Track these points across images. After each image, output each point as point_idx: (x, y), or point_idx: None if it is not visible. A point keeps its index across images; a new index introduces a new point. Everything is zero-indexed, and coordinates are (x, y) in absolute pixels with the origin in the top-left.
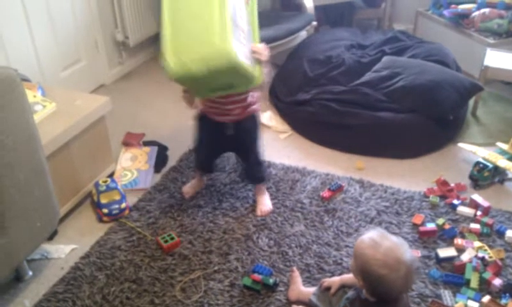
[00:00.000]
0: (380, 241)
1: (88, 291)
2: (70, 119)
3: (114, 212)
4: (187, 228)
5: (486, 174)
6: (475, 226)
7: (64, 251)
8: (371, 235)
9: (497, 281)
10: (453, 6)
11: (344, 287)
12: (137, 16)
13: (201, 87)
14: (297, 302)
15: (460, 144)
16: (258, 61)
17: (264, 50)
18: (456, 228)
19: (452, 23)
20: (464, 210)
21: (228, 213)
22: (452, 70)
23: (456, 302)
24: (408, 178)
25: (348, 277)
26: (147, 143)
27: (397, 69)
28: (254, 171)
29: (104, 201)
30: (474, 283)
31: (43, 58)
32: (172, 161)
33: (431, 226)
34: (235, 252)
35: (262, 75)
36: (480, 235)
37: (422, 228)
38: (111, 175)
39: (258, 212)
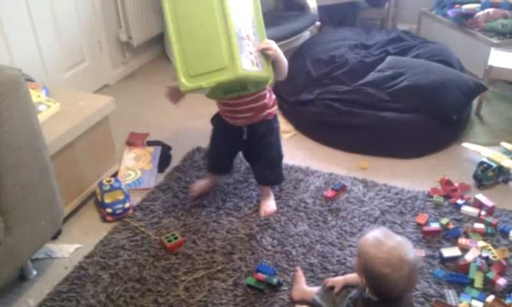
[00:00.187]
0: (384, 240)
1: (92, 290)
2: (74, 119)
3: (117, 211)
4: (191, 227)
5: (490, 174)
6: (479, 225)
7: (68, 251)
8: (375, 234)
9: (501, 281)
10: (457, 5)
11: (347, 287)
12: (141, 17)
13: (214, 92)
14: (301, 301)
15: (464, 144)
16: (268, 60)
17: (270, 45)
18: (460, 227)
19: (456, 23)
20: (468, 209)
21: (232, 212)
22: (456, 69)
23: (460, 302)
24: (411, 177)
25: (352, 276)
26: (151, 143)
27: (401, 69)
28: (264, 174)
29: (107, 200)
30: (478, 283)
31: (47, 58)
32: (175, 161)
33: (434, 225)
34: (239, 251)
35: (272, 73)
36: (484, 235)
37: (425, 228)
38: (115, 175)
39: (262, 213)
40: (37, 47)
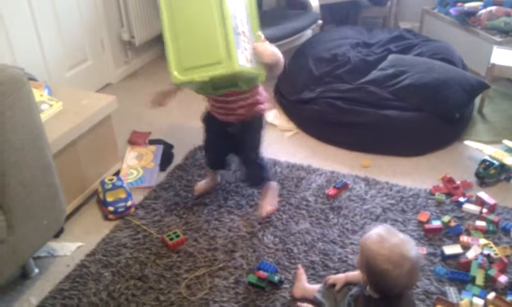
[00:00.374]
0: (387, 236)
1: (94, 288)
2: (77, 118)
3: (119, 209)
4: (193, 225)
5: (492, 171)
6: (480, 223)
7: (70, 249)
8: (378, 231)
9: (503, 278)
10: (459, 4)
11: (348, 284)
12: (143, 16)
13: (204, 87)
14: (302, 299)
15: (466, 142)
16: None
17: (264, 50)
18: (461, 225)
19: (458, 21)
20: (470, 207)
21: (233, 211)
22: (458, 68)
23: (461, 299)
24: (413, 175)
25: (353, 274)
26: (153, 142)
27: (403, 67)
28: (255, 173)
29: (109, 199)
30: (479, 280)
31: (49, 57)
32: (177, 159)
33: (436, 223)
34: (240, 249)
35: (264, 71)
36: (486, 233)
37: (427, 226)
38: (117, 173)
39: (263, 212)
40: (39, 46)
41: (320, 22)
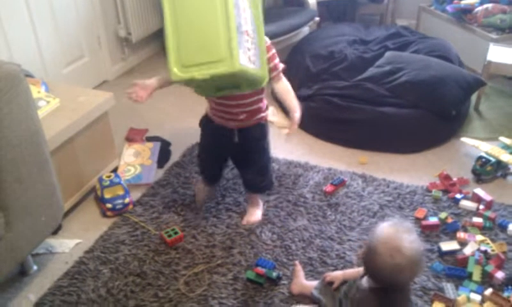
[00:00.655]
0: (397, 227)
1: (93, 285)
2: (74, 114)
3: (117, 206)
4: (191, 222)
5: (489, 168)
6: (477, 219)
7: (69, 246)
8: (396, 220)
9: (500, 274)
10: (456, 1)
11: (346, 282)
12: (140, 12)
13: (205, 87)
14: (300, 295)
15: (463, 139)
16: (265, 60)
17: (294, 125)
18: (458, 221)
19: (455, 18)
20: (466, 204)
21: (231, 207)
22: (454, 65)
23: (459, 295)
24: (410, 172)
25: (351, 272)
26: (150, 139)
27: (400, 64)
28: (255, 181)
29: (107, 196)
30: (477, 276)
31: (45, 54)
32: (175, 157)
33: (433, 220)
34: (239, 246)
35: (267, 74)
36: (482, 229)
37: (424, 222)
38: (115, 170)
39: (245, 221)
40: (36, 43)
41: (317, 19)
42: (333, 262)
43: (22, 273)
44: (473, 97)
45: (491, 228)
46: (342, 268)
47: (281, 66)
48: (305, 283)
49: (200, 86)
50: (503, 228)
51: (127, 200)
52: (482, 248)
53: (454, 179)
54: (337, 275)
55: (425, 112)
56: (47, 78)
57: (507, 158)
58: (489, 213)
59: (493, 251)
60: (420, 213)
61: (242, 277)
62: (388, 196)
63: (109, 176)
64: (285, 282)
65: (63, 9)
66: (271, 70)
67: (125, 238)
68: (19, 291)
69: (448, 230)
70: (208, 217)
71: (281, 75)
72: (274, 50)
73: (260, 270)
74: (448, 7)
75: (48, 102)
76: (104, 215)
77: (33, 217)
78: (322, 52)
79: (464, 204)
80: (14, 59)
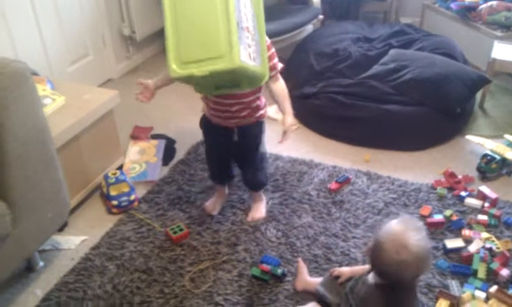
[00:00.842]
0: (406, 223)
1: (99, 281)
2: (79, 112)
3: (123, 203)
4: (196, 219)
5: (494, 166)
6: (482, 217)
7: (75, 242)
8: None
9: (505, 272)
10: None
11: (352, 278)
12: (144, 11)
13: (204, 85)
14: (304, 292)
15: (468, 137)
16: (266, 58)
17: (291, 126)
18: (463, 219)
19: (459, 16)
20: (471, 201)
21: (236, 204)
22: (459, 62)
23: (464, 292)
24: (415, 170)
25: (358, 269)
26: (155, 136)
27: (404, 62)
28: (254, 177)
29: (113, 193)
30: (481, 273)
31: (51, 53)
32: (180, 154)
33: (438, 217)
34: (243, 243)
35: (268, 72)
36: (487, 226)
37: (429, 220)
38: (120, 168)
39: (249, 218)
40: (41, 41)
41: (321, 16)
42: (338, 259)
43: (28, 269)
44: (478, 95)
45: (496, 226)
46: (347, 266)
47: (280, 65)
48: (309, 279)
49: (199, 84)
50: (508, 225)
51: (132, 197)
52: (487, 245)
53: (459, 177)
54: (345, 271)
55: (430, 109)
56: (52, 77)
57: None
58: (494, 211)
59: (498, 248)
60: (425, 210)
61: (247, 273)
62: (392, 193)
63: (114, 174)
64: (290, 279)
65: (67, 8)
66: (269, 69)
67: (130, 235)
68: (26, 287)
69: (453, 228)
70: (213, 214)
71: (279, 75)
72: (273, 49)
73: (265, 267)
74: (453, 5)
75: (53, 100)
76: (110, 212)
77: (40, 213)
78: (327, 50)
79: (469, 202)
80: (19, 58)
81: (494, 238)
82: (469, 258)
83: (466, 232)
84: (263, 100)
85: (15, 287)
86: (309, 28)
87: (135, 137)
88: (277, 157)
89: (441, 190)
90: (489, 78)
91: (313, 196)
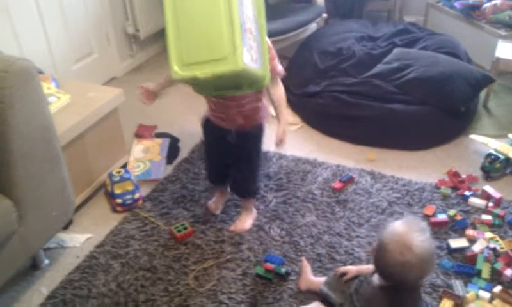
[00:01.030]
0: (410, 224)
1: (103, 279)
2: (84, 110)
3: (127, 202)
4: (200, 218)
5: (498, 165)
6: (486, 217)
7: (80, 240)
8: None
9: (509, 272)
10: None
11: (357, 278)
12: (148, 9)
13: (204, 86)
14: (308, 291)
15: (472, 136)
16: (267, 59)
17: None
18: (467, 219)
19: (463, 14)
20: (475, 201)
21: (240, 203)
22: (463, 61)
23: (467, 292)
24: (419, 169)
25: (364, 268)
26: (159, 135)
27: (408, 61)
28: (246, 183)
29: (117, 191)
30: (485, 273)
31: (55, 51)
32: (184, 153)
33: (442, 217)
34: (247, 242)
35: (269, 74)
36: (491, 226)
37: (433, 219)
38: (124, 166)
39: (232, 228)
40: (45, 40)
41: (324, 15)
42: (342, 258)
43: (33, 267)
44: (482, 94)
45: (500, 226)
46: (351, 264)
47: (280, 68)
48: (313, 278)
49: (199, 85)
50: None
51: (136, 195)
52: (491, 245)
53: (463, 176)
54: (351, 269)
55: (434, 108)
56: (56, 75)
57: None
58: (498, 211)
59: (502, 248)
60: (429, 210)
61: (251, 272)
62: (396, 192)
63: (119, 172)
64: (294, 278)
65: (72, 7)
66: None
67: (135, 233)
68: (31, 284)
69: (457, 227)
70: (216, 213)
71: (279, 80)
72: (273, 51)
73: (269, 265)
74: (456, 4)
75: (58, 98)
76: (114, 210)
77: (45, 211)
78: (330, 49)
79: (473, 202)
80: (24, 56)
81: (498, 238)
82: (473, 258)
83: (470, 232)
84: (264, 102)
85: (20, 285)
86: (313, 27)
87: (139, 135)
88: (281, 156)
89: (445, 189)
90: (493, 77)
91: (316, 195)
